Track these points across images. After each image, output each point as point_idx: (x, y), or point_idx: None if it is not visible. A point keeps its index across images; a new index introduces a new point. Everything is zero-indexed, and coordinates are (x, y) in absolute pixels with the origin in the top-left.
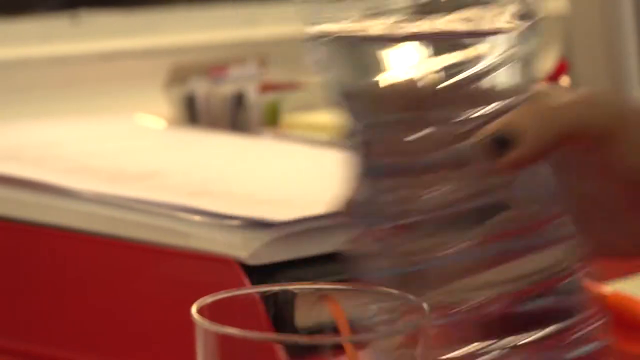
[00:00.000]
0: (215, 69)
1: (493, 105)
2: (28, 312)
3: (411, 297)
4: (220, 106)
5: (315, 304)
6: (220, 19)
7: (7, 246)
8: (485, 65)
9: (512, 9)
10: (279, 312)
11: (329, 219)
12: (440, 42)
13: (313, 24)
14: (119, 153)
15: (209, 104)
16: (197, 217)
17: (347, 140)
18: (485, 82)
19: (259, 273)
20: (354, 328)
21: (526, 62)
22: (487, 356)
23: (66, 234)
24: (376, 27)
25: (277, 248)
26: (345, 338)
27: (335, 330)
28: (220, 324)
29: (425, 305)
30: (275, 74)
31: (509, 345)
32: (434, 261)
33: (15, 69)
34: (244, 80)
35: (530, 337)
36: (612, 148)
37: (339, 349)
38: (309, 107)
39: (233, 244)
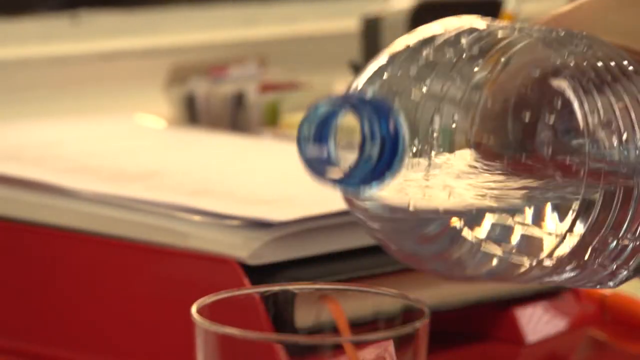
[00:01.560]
0: (215, 69)
1: None
2: (28, 312)
3: (411, 297)
4: (220, 106)
5: (315, 304)
6: (220, 19)
7: (7, 246)
8: None
9: None
10: (279, 312)
11: (329, 219)
12: None
13: None
14: (119, 153)
15: (209, 104)
16: (197, 217)
17: None
18: None
19: (259, 273)
20: (354, 328)
21: None
22: None
23: (66, 234)
24: None
25: (277, 248)
26: (345, 338)
27: (335, 330)
28: (220, 324)
29: (424, 305)
30: (275, 74)
31: None
32: None
33: (15, 69)
34: (244, 80)
35: None
36: None
37: (339, 349)
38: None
39: (233, 244)
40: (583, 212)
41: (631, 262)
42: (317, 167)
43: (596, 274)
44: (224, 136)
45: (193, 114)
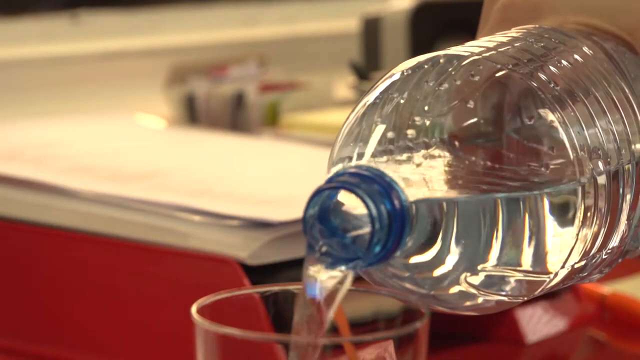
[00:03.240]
0: (215, 69)
1: None
2: (28, 312)
3: (411, 297)
4: (220, 106)
5: None
6: (220, 19)
7: (7, 246)
8: None
9: None
10: (279, 312)
11: None
12: None
13: None
14: (119, 153)
15: (209, 104)
16: (197, 217)
17: None
18: None
19: (259, 273)
20: (354, 328)
21: None
22: None
23: (66, 234)
24: None
25: (277, 248)
26: (345, 338)
27: (335, 330)
28: (220, 324)
29: (424, 306)
30: (275, 74)
31: None
32: None
33: (15, 69)
34: (244, 80)
35: None
36: None
37: (339, 349)
38: (309, 107)
39: (233, 244)
40: (585, 222)
41: (606, 268)
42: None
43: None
44: (224, 136)
45: (193, 114)
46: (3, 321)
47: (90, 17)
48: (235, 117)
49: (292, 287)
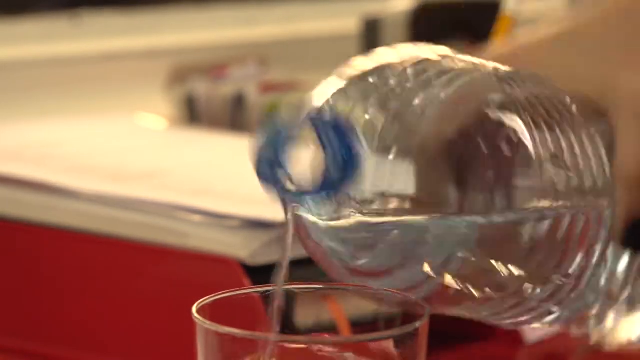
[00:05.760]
0: (215, 69)
1: None
2: (28, 312)
3: (412, 297)
4: (220, 106)
5: (316, 304)
6: (220, 19)
7: (7, 246)
8: None
9: None
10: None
11: None
12: None
13: None
14: (119, 153)
15: (209, 104)
16: (196, 217)
17: None
18: None
19: (259, 273)
20: (354, 328)
21: None
22: None
23: (66, 234)
24: None
25: (277, 248)
26: (345, 338)
27: (335, 330)
28: (220, 323)
29: (425, 305)
30: (275, 74)
31: None
32: None
33: (15, 69)
34: (244, 80)
35: None
36: None
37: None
38: None
39: (233, 244)
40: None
41: (564, 302)
42: (273, 179)
43: (528, 312)
44: (224, 136)
45: (193, 114)
46: (3, 321)
47: (90, 18)
48: (235, 117)
49: (292, 287)
